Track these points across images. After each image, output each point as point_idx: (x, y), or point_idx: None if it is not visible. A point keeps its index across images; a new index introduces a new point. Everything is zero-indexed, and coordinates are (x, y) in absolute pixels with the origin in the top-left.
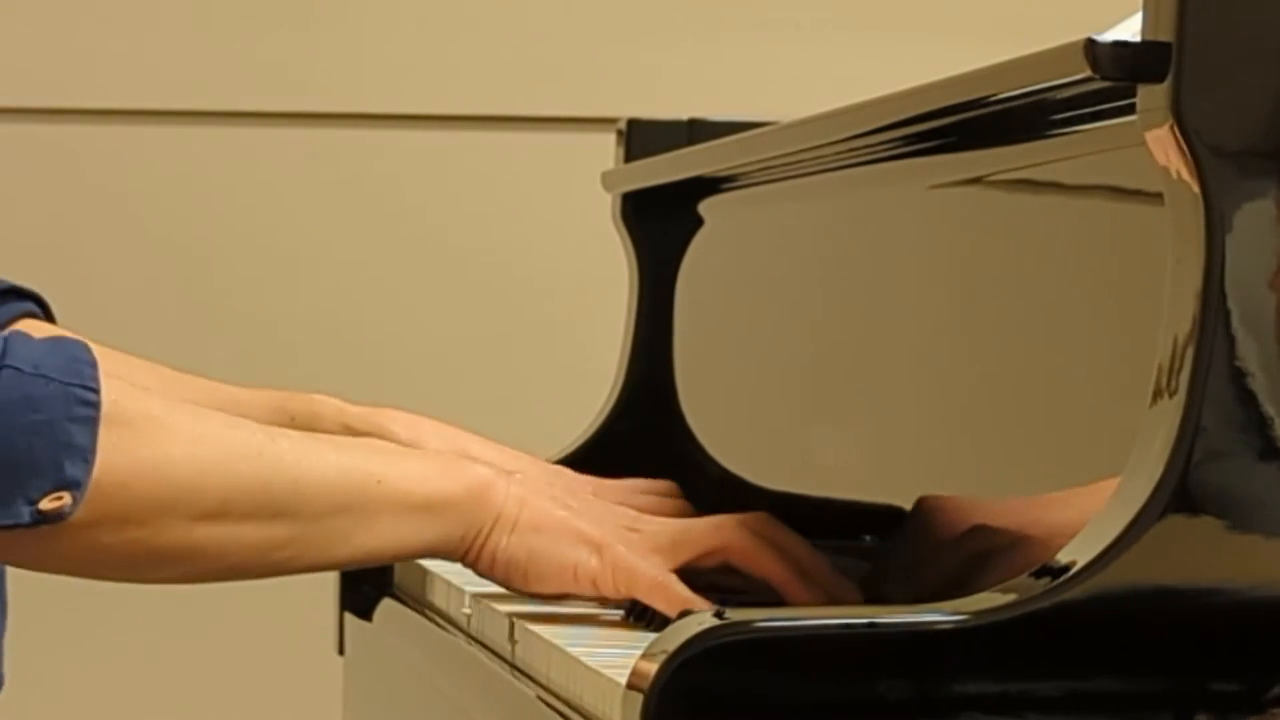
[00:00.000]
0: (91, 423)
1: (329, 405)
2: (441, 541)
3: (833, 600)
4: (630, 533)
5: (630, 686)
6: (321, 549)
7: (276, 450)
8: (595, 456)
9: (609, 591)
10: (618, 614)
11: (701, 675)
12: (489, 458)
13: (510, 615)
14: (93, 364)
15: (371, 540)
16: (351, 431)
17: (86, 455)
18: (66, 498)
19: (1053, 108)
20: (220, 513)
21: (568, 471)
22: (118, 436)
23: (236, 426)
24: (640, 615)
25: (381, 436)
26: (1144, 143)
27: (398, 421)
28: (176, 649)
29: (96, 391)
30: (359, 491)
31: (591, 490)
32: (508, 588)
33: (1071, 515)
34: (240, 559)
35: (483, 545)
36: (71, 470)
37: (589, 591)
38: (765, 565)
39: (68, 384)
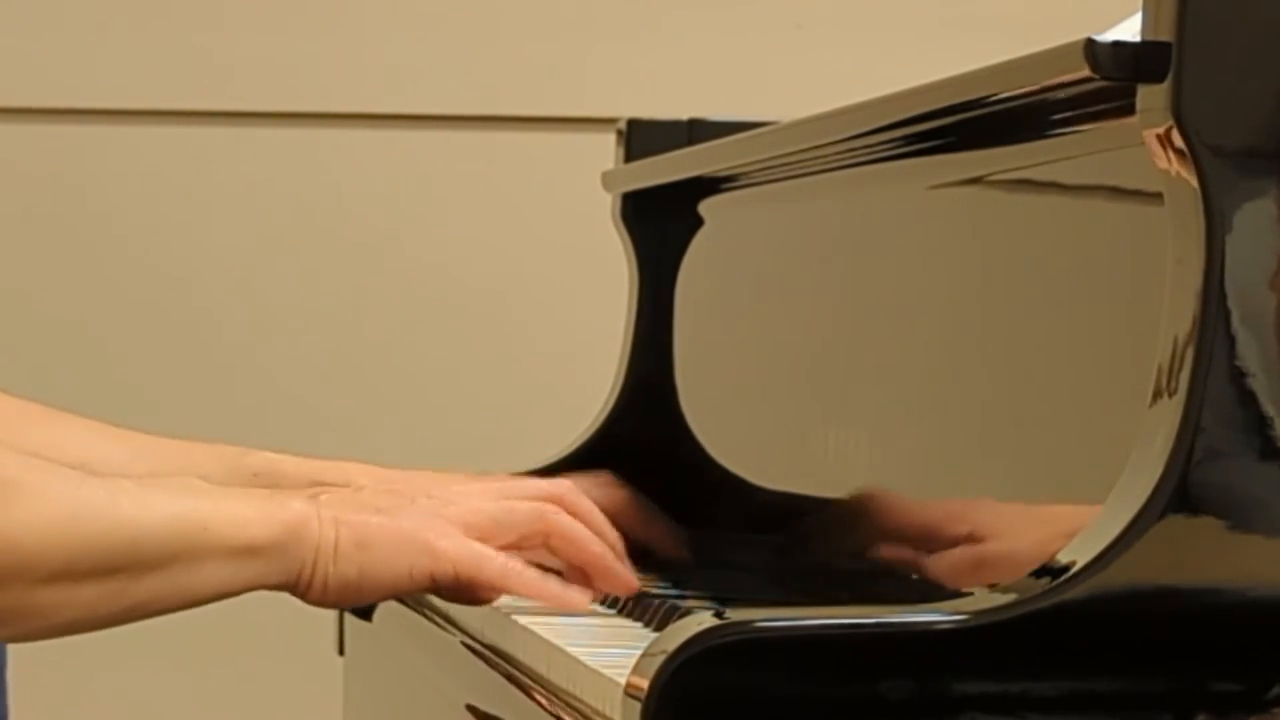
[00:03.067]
0: None
1: (289, 463)
2: (265, 580)
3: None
4: (447, 519)
5: (630, 687)
6: (151, 599)
7: (117, 507)
8: (595, 456)
9: (448, 585)
10: (617, 613)
11: (701, 675)
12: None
13: (511, 614)
14: None
15: (197, 585)
16: (321, 484)
17: None
18: None
19: (1053, 108)
20: (63, 575)
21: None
22: None
23: (81, 483)
24: (631, 609)
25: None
26: (1144, 143)
27: (360, 474)
28: (176, 649)
29: None
30: (189, 540)
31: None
32: (343, 608)
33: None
34: (73, 616)
35: (311, 578)
36: None
37: (427, 589)
38: (578, 556)
39: None
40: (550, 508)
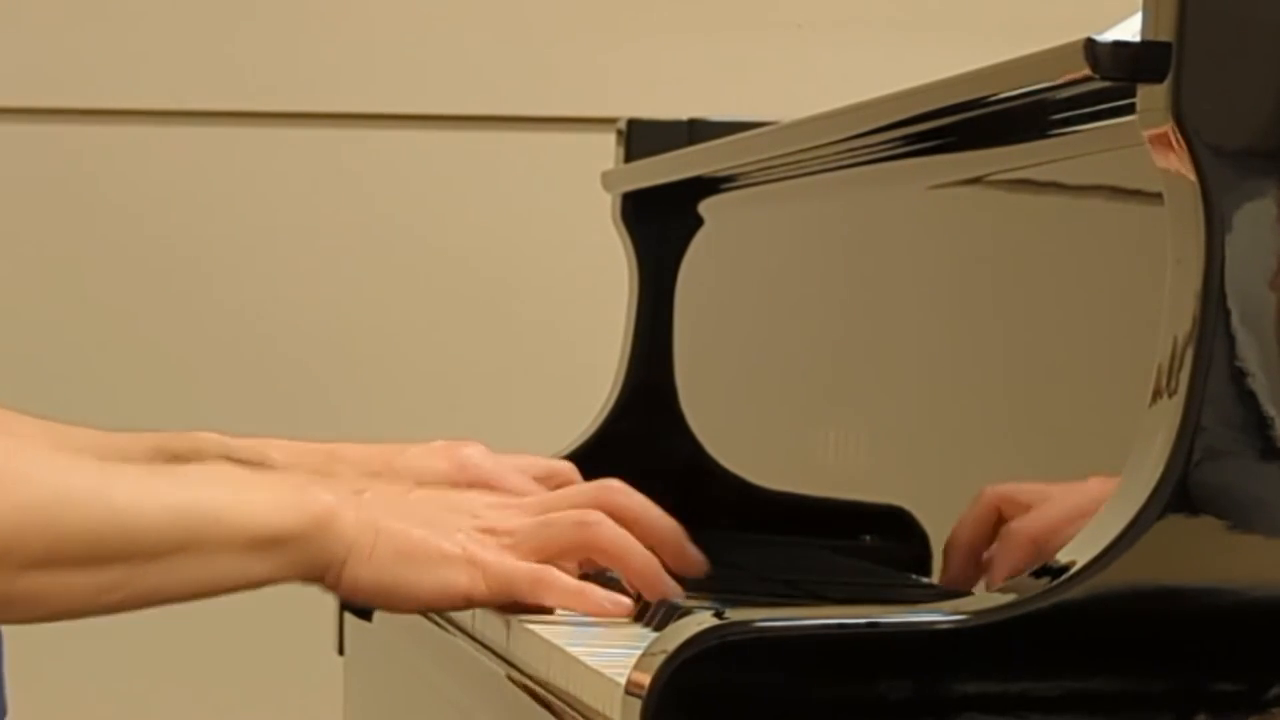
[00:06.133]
0: None
1: (210, 441)
2: (286, 572)
3: (680, 574)
4: (487, 536)
5: (630, 687)
6: (157, 589)
7: (109, 494)
8: (595, 456)
9: (484, 602)
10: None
11: (701, 675)
12: (351, 470)
13: (510, 615)
14: None
15: (211, 576)
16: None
17: None
18: None
19: (1053, 108)
20: (46, 561)
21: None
22: None
23: (71, 471)
24: (637, 612)
25: (262, 465)
26: (1144, 143)
27: (279, 449)
28: (176, 649)
29: None
30: (197, 531)
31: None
32: (372, 608)
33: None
34: (67, 604)
35: (339, 575)
36: None
37: (462, 606)
38: (625, 563)
39: None
40: (592, 517)
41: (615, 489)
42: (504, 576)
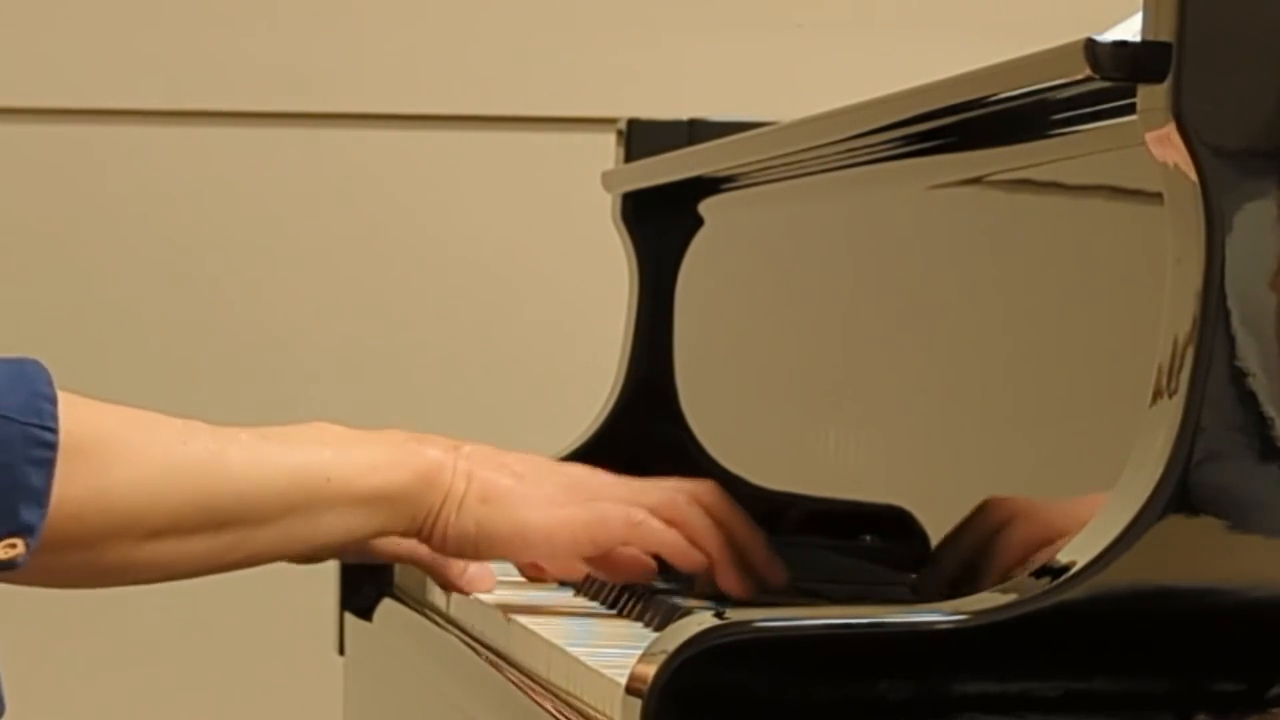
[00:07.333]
0: (49, 464)
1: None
2: (392, 527)
3: (759, 584)
4: (577, 491)
5: (630, 687)
6: (269, 548)
7: (225, 461)
8: (596, 456)
9: (563, 550)
10: (617, 614)
11: (701, 675)
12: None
13: (511, 614)
14: (52, 398)
15: (320, 534)
16: None
17: (42, 499)
18: (20, 545)
19: (1053, 108)
20: (168, 530)
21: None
22: (71, 468)
23: (188, 438)
24: (631, 609)
25: None
26: (1144, 143)
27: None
28: (176, 649)
29: (55, 431)
30: (308, 491)
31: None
32: (461, 558)
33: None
34: (187, 568)
35: (434, 524)
36: (27, 515)
37: (544, 553)
38: (672, 558)
39: (26, 424)
40: (637, 517)
41: (707, 490)
42: (577, 524)
